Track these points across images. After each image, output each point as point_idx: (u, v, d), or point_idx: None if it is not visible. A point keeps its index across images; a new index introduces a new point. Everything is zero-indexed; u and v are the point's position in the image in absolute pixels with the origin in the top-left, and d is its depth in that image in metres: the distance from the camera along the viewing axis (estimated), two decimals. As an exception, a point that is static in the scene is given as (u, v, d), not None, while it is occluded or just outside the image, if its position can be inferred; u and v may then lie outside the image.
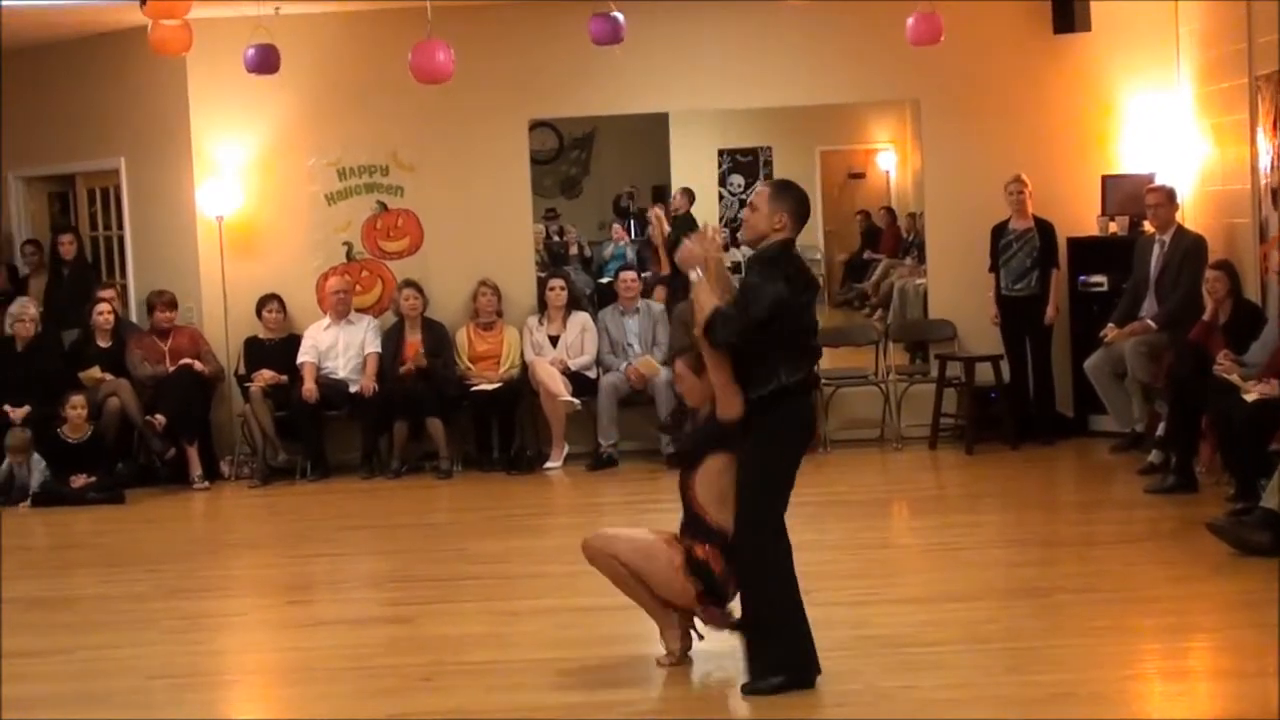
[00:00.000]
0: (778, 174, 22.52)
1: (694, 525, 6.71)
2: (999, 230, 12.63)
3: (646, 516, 7.23)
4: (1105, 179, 12.88)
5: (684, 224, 16.86)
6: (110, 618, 8.41)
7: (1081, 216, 12.90)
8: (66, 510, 11.71)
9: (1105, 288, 12.59)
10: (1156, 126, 12.71)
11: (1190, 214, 12.25)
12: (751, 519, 6.46)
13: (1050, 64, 12.99)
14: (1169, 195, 11.88)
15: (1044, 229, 12.54)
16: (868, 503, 11.01)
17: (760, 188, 6.74)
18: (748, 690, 6.36)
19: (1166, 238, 11.78)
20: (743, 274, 7.11)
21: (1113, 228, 12.78)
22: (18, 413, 12.30)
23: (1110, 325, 11.90)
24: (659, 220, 15.37)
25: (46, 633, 8.09)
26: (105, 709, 6.66)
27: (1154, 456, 10.98)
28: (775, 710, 6.26)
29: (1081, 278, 12.77)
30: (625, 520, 8.83)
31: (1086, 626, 7.32)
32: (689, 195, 19.46)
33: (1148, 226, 12.09)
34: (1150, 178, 12.46)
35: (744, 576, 6.49)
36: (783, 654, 6.42)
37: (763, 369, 6.40)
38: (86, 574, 9.80)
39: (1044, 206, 12.59)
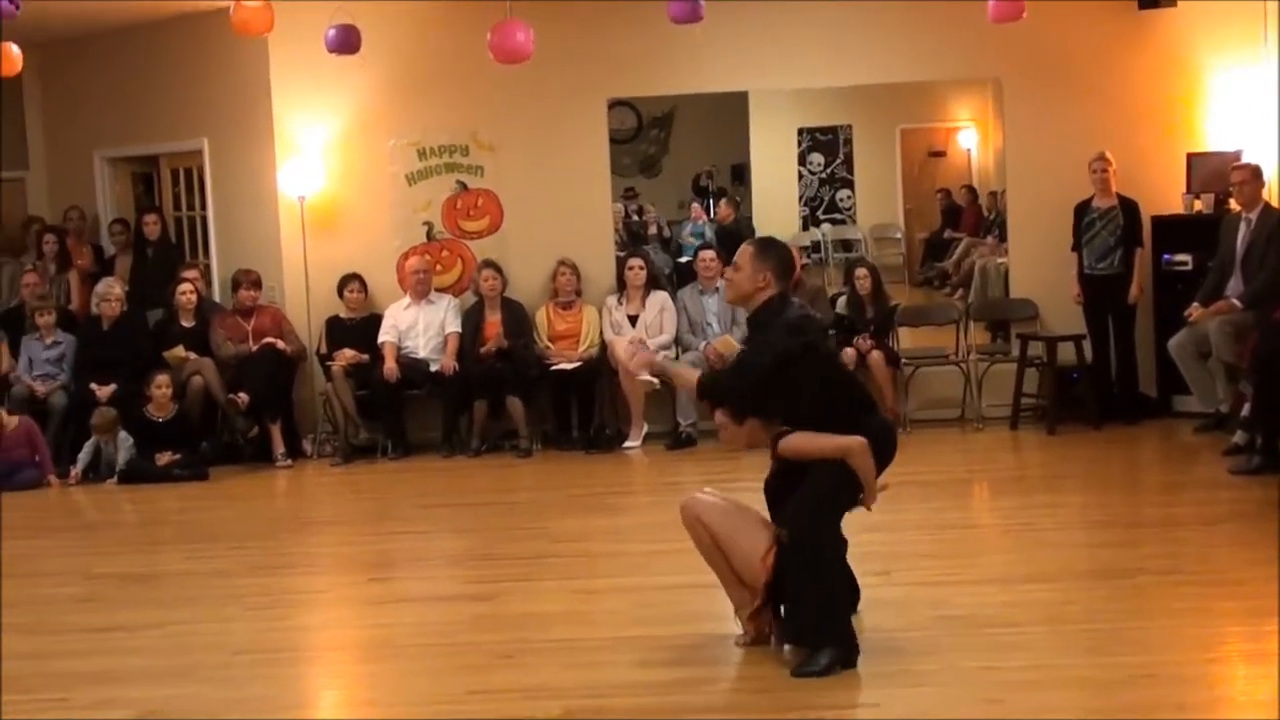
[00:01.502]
0: (858, 152, 22.48)
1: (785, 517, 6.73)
2: (1082, 208, 12.54)
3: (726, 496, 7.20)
4: (1190, 156, 12.76)
5: (729, 233, 16.83)
6: (196, 593, 8.49)
7: (1166, 194, 12.79)
8: (152, 487, 11.87)
9: (1190, 266, 12.47)
10: (1243, 102, 12.60)
11: (1277, 191, 12.11)
12: (821, 509, 6.47)
13: (1134, 40, 12.88)
14: (1255, 172, 11.77)
15: (1128, 207, 12.44)
16: (948, 483, 10.95)
17: (744, 247, 6.80)
18: (799, 673, 6.36)
19: (1253, 215, 11.67)
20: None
21: (1198, 205, 12.67)
22: (104, 391, 12.45)
23: (1195, 304, 11.80)
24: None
25: (136, 607, 8.20)
26: (190, 683, 6.74)
27: (1238, 437, 10.89)
28: (851, 691, 6.25)
29: (1166, 256, 12.66)
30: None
31: (1168, 608, 7.27)
32: (734, 204, 19.50)
33: (1233, 204, 12.00)
34: (1236, 155, 12.36)
35: (806, 559, 6.47)
36: (832, 634, 6.43)
37: (811, 420, 6.54)
38: (172, 550, 9.89)
39: (1128, 184, 12.49)
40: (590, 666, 6.71)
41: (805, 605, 6.50)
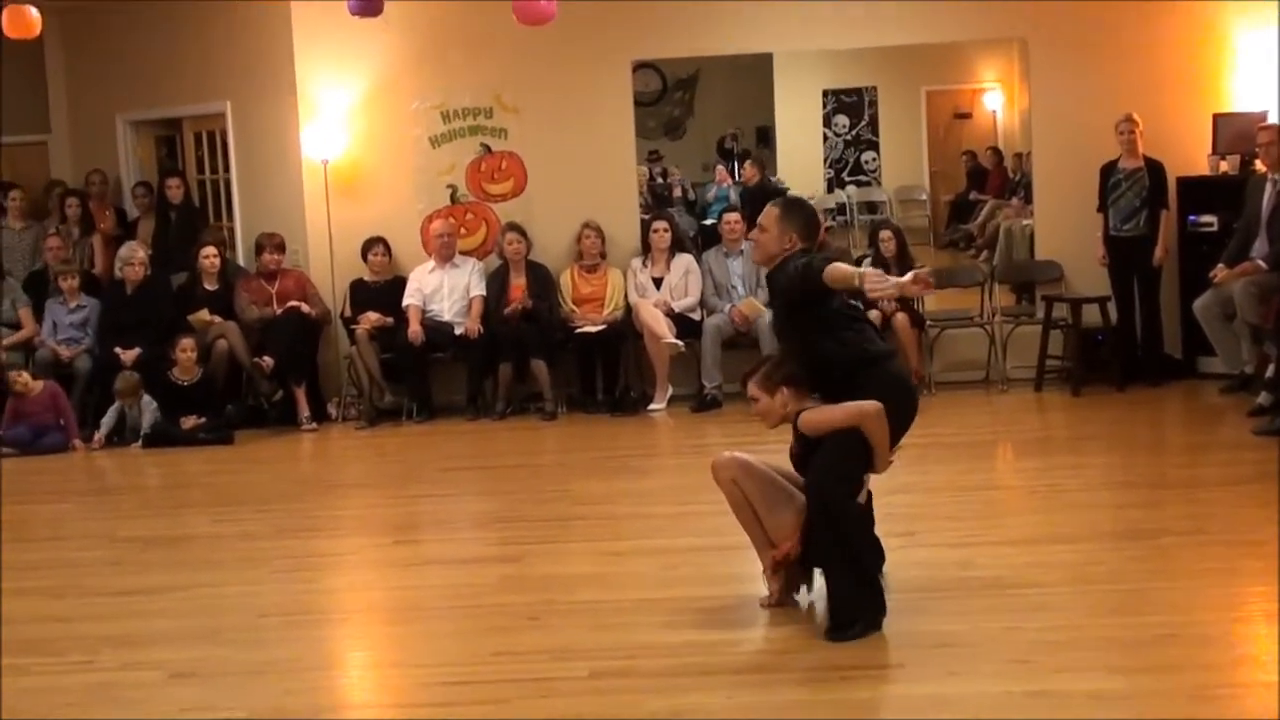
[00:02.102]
0: (883, 114, 22.44)
1: None
2: (1108, 170, 12.48)
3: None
4: (1216, 117, 12.69)
5: (754, 195, 16.79)
6: (222, 556, 8.54)
7: (1192, 155, 12.72)
8: (177, 451, 11.90)
9: (1215, 228, 12.42)
10: (1269, 63, 12.50)
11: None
12: (838, 472, 6.47)
13: (1161, 0, 12.80)
14: (1281, 133, 11.72)
15: (1154, 169, 12.39)
16: (972, 445, 10.94)
17: (769, 208, 6.79)
18: (832, 637, 6.36)
19: (1279, 177, 11.61)
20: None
21: (1223, 167, 12.61)
22: (128, 355, 12.49)
23: (1220, 266, 11.74)
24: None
25: (163, 570, 8.24)
26: (217, 645, 6.77)
27: (1263, 398, 10.88)
28: (877, 652, 6.26)
29: (1191, 218, 12.61)
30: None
31: (1193, 569, 7.26)
32: (760, 165, 19.47)
33: (1259, 165, 11.94)
34: (1263, 115, 12.29)
35: (829, 523, 6.47)
36: (864, 598, 6.44)
37: (827, 359, 6.56)
38: (198, 513, 9.94)
39: (1154, 145, 12.43)
40: (616, 628, 6.72)
41: (839, 575, 6.50)
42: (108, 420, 12.28)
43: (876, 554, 6.80)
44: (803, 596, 6.89)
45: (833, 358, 6.55)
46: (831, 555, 6.50)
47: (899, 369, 6.93)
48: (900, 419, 6.61)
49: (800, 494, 6.68)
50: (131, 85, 14.52)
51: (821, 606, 6.74)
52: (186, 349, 12.31)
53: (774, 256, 6.66)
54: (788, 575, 6.82)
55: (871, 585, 6.50)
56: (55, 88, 15.32)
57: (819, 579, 6.86)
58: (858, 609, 6.40)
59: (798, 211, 6.73)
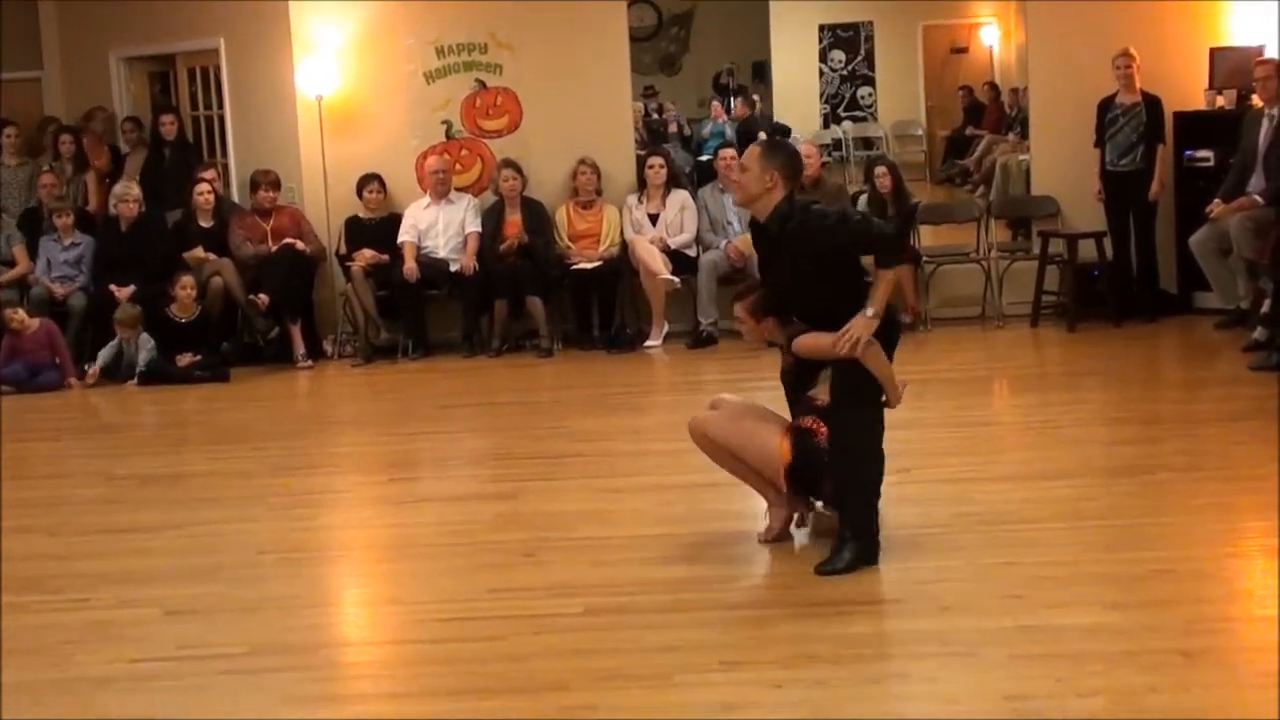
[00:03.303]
0: (879, 50, 22.35)
1: (804, 405, 6.74)
2: (1105, 105, 12.45)
3: (747, 395, 7.21)
4: (1213, 51, 12.64)
5: (745, 129, 16.72)
6: (219, 494, 8.54)
7: (1189, 90, 12.69)
8: (173, 389, 11.89)
9: (1212, 163, 12.41)
10: (1267, -4, 12.48)
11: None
12: (855, 397, 6.47)
13: (1158, -68, 12.75)
14: (1279, 68, 11.65)
15: (1151, 104, 12.36)
16: (969, 380, 10.95)
17: (751, 148, 6.72)
18: (822, 571, 6.39)
19: (1275, 111, 11.61)
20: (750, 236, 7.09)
21: (1220, 101, 12.59)
22: (123, 292, 12.47)
23: (1216, 201, 11.75)
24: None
25: (159, 508, 8.25)
26: (215, 582, 6.79)
27: (1259, 333, 10.91)
28: (873, 587, 6.29)
29: (1188, 152, 12.59)
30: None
31: (1188, 504, 7.28)
32: (750, 103, 19.39)
33: (1256, 100, 11.94)
34: (1260, 50, 12.27)
35: (846, 448, 6.49)
36: (858, 530, 6.46)
37: (836, 308, 6.47)
38: (195, 451, 9.96)
39: (1151, 80, 12.40)
40: (612, 564, 6.74)
41: (849, 493, 6.53)
42: (104, 354, 12.25)
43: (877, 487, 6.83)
44: (798, 533, 6.91)
45: (839, 311, 6.49)
46: (846, 477, 6.52)
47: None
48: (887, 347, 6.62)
49: (774, 419, 6.71)
50: (125, 21, 14.42)
51: (817, 543, 6.75)
52: (187, 286, 12.28)
53: (755, 197, 6.56)
54: (788, 510, 6.84)
55: (870, 514, 6.53)
56: (48, 24, 15.21)
57: (813, 518, 6.90)
58: (854, 531, 6.43)
59: (780, 151, 6.66)
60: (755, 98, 20.58)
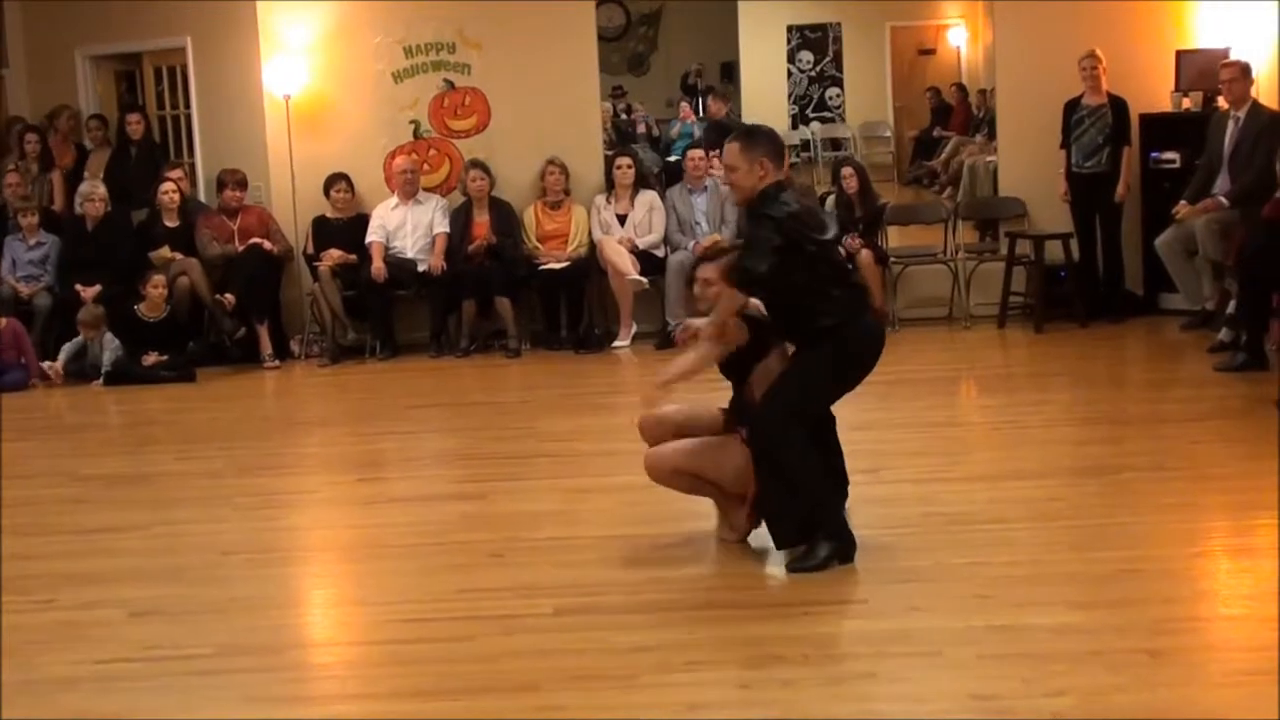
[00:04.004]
0: (847, 51, 22.37)
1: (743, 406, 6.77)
2: (1071, 106, 12.51)
3: (713, 394, 7.21)
4: (1180, 54, 12.72)
5: (716, 130, 16.73)
6: (186, 494, 8.53)
7: (1155, 92, 12.76)
8: (139, 389, 11.85)
9: (1177, 164, 12.48)
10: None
11: (1265, 89, 12.07)
12: (786, 410, 6.46)
13: (1125, -66, 12.81)
14: (1244, 70, 11.74)
15: (1117, 105, 12.42)
16: (936, 381, 10.98)
17: (728, 145, 6.57)
18: (794, 569, 6.41)
19: (1241, 114, 11.66)
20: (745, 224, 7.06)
21: (1186, 103, 12.66)
22: (89, 292, 12.43)
23: (1182, 202, 11.81)
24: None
25: (126, 508, 8.24)
26: (181, 583, 6.77)
27: (1224, 334, 10.97)
28: (840, 587, 6.31)
29: (1154, 154, 12.66)
30: (692, 399, 8.84)
31: (1154, 504, 7.32)
32: (724, 100, 19.40)
33: (1222, 102, 12.00)
34: (1225, 52, 12.33)
35: (774, 455, 6.49)
36: (828, 529, 6.47)
37: (800, 313, 6.47)
38: (162, 451, 9.91)
39: (1117, 82, 12.46)
40: (580, 565, 6.75)
41: (782, 518, 6.55)
42: (67, 350, 12.20)
43: (839, 487, 6.83)
44: (753, 535, 6.93)
45: (817, 313, 6.46)
46: (777, 501, 6.54)
47: (870, 324, 6.75)
48: (869, 361, 6.61)
49: (732, 439, 6.76)
50: (91, 20, 14.36)
51: (770, 545, 6.78)
52: (157, 285, 12.26)
53: (751, 190, 6.45)
54: (749, 514, 6.86)
55: (829, 517, 6.52)
56: (12, 22, 15.13)
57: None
58: (839, 547, 6.44)
59: (760, 139, 6.54)
60: (725, 95, 20.59)
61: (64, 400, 11.85)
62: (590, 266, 12.80)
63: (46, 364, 12.18)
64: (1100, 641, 5.48)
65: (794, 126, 22.90)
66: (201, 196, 13.57)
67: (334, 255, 12.68)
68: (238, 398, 11.71)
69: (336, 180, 12.98)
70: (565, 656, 5.60)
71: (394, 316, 12.86)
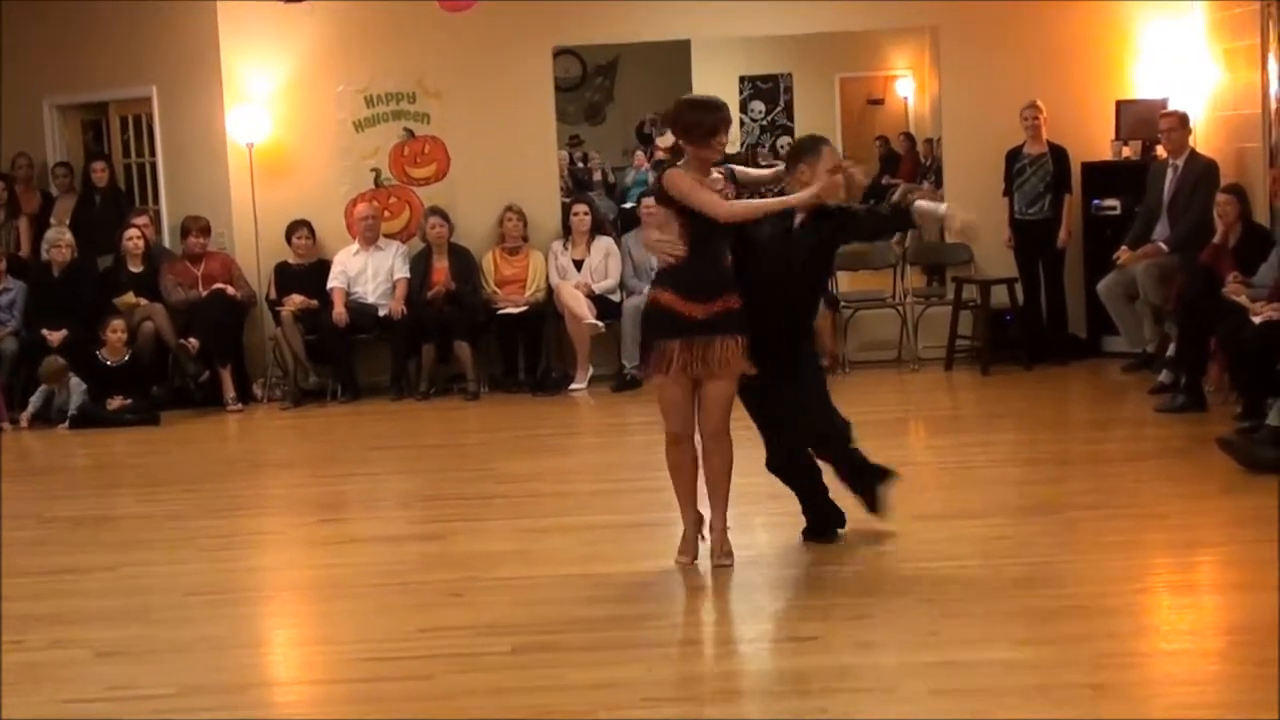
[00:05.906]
0: (798, 100, 22.55)
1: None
2: (1013, 155, 12.72)
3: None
4: (1119, 104, 12.96)
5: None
6: (149, 536, 8.56)
7: (1096, 141, 13.00)
8: (103, 432, 11.92)
9: (1118, 211, 12.70)
10: (1170, 52, 12.78)
11: (1202, 138, 12.30)
12: (823, 412, 7.45)
13: (1067, -12, 13.04)
14: (1182, 120, 11.95)
15: (1057, 154, 12.63)
16: (885, 423, 10.98)
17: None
18: (877, 510, 7.58)
19: (1179, 162, 11.87)
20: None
21: (1126, 152, 12.88)
22: (55, 336, 12.51)
23: (1123, 248, 12.00)
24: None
25: (90, 550, 8.27)
26: (144, 623, 6.82)
27: (1164, 376, 11.10)
28: (795, 623, 6.48)
29: (1095, 201, 12.88)
30: (647, 440, 8.99)
31: (1097, 542, 7.43)
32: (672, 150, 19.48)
33: (1161, 151, 12.20)
34: (1164, 103, 12.54)
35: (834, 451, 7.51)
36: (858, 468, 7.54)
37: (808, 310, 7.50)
38: (126, 493, 9.98)
39: (1059, 131, 12.68)
40: (539, 604, 6.81)
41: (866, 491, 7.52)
42: (34, 400, 12.29)
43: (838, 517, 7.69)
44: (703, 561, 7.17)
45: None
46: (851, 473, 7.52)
47: None
48: None
49: None
50: (58, 69, 14.42)
51: (736, 575, 6.96)
52: (117, 329, 12.36)
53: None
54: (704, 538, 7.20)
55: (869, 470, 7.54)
56: (-20, 71, 15.23)
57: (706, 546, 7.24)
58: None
59: (793, 152, 7.83)
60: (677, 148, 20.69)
61: (30, 443, 11.90)
62: (547, 311, 12.95)
63: (20, 416, 12.28)
64: (1046, 676, 5.56)
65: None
66: (166, 243, 13.67)
67: (296, 300, 12.81)
68: (201, 440, 11.79)
69: (298, 227, 13.10)
70: (523, 694, 5.65)
71: (355, 360, 12.97)
